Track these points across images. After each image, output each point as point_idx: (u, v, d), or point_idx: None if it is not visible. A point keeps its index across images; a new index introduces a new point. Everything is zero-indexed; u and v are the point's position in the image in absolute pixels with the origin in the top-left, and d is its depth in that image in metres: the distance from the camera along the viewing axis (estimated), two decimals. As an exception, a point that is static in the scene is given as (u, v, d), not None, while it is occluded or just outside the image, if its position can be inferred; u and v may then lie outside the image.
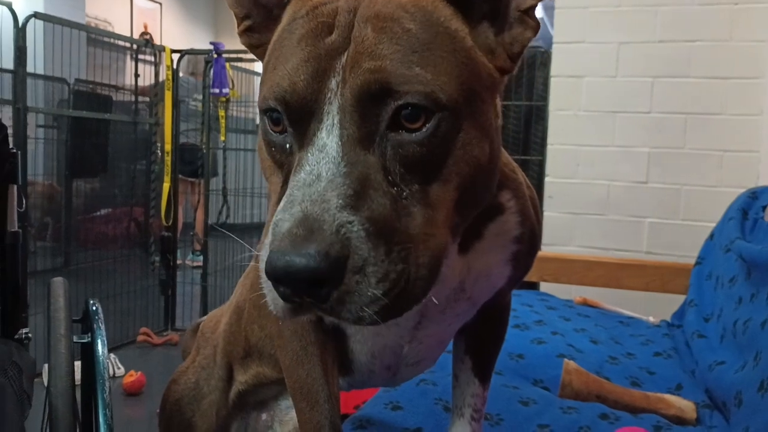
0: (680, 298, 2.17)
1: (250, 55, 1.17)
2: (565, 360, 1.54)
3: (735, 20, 2.56)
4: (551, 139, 2.86)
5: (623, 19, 2.71)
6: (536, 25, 0.69)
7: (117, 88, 4.26)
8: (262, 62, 0.73)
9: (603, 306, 2.31)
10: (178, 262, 4.09)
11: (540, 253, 0.94)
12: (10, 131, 1.59)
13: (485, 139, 0.66)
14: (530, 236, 0.88)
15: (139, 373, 2.87)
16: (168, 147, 3.74)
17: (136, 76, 3.86)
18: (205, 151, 3.84)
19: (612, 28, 2.72)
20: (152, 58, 3.81)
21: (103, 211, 4.66)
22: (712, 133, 2.61)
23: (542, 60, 3.11)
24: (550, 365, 1.62)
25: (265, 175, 0.72)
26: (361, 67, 0.60)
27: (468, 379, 1.04)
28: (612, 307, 2.30)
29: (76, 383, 1.24)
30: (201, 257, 4.09)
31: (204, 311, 3.81)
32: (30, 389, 1.25)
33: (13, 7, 2.92)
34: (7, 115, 3.01)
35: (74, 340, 1.28)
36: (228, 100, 3.75)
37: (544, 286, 2.59)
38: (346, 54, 0.61)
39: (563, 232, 2.81)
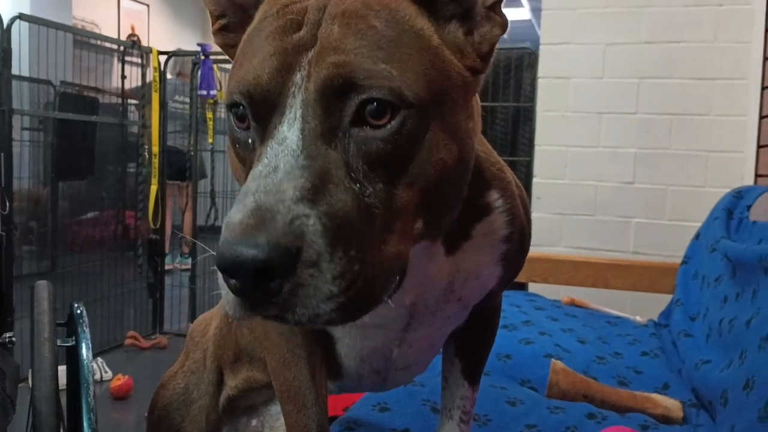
0: (667, 298, 2.18)
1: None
2: (553, 360, 1.54)
3: (720, 22, 2.59)
4: (539, 140, 2.87)
5: (610, 21, 2.72)
6: (504, 22, 0.68)
7: (102, 92, 4.23)
8: None
9: (590, 306, 2.32)
10: (167, 267, 4.07)
11: (528, 254, 0.93)
12: (-6, 134, 1.57)
13: (454, 141, 0.64)
14: (520, 236, 0.87)
15: (126, 376, 2.85)
16: (155, 149, 3.72)
17: (123, 77, 3.83)
18: (192, 153, 3.83)
19: (599, 30, 2.74)
20: (139, 60, 3.79)
21: (90, 214, 4.62)
22: (698, 134, 2.63)
23: (529, 61, 3.12)
24: (537, 365, 1.63)
25: (236, 176, 0.71)
26: (326, 62, 0.59)
27: (457, 381, 1.03)
28: (599, 307, 2.31)
29: (62, 387, 1.23)
30: (189, 260, 4.07)
31: (192, 314, 3.79)
32: (14, 393, 1.24)
33: (-2, 8, 2.90)
34: (-9, 118, 2.98)
35: (58, 344, 1.27)
36: (216, 102, 3.72)
37: (533, 287, 2.60)
38: (312, 50, 0.61)
39: (551, 233, 2.82)
